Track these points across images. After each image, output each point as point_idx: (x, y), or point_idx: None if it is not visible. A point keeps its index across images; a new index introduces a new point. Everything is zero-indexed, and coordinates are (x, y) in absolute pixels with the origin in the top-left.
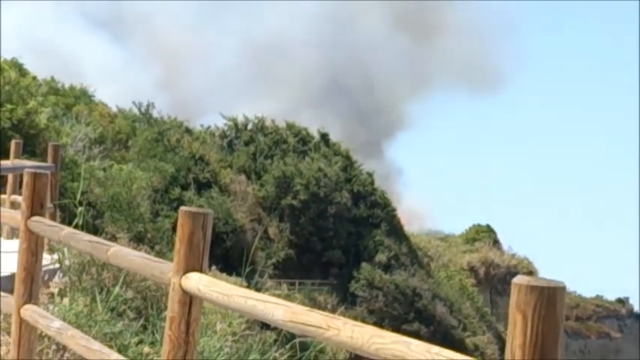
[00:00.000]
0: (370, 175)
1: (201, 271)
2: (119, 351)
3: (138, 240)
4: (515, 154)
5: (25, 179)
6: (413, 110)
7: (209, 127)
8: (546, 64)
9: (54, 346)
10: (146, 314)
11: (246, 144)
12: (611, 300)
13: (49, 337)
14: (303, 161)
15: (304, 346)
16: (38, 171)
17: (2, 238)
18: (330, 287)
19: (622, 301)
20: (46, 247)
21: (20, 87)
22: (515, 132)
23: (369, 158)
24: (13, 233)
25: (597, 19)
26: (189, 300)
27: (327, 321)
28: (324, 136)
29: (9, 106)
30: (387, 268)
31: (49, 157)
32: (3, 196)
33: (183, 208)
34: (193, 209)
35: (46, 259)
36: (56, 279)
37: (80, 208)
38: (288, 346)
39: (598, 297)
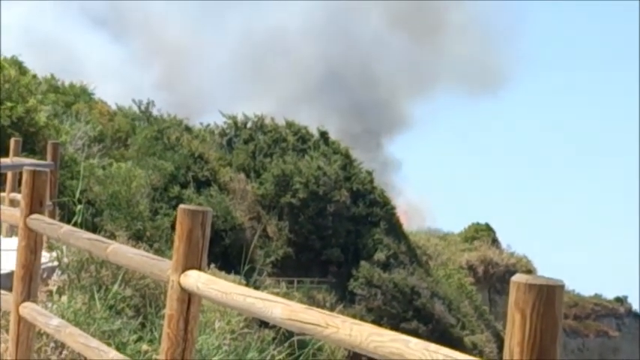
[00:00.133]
0: (369, 173)
1: (200, 269)
2: (117, 349)
3: (137, 238)
4: (514, 153)
5: (25, 177)
6: (412, 108)
7: (208, 125)
8: (547, 64)
9: (52, 344)
10: (145, 312)
11: (246, 142)
12: (609, 299)
13: (48, 335)
14: (302, 160)
15: (302, 344)
16: (37, 169)
17: (1, 236)
18: (328, 285)
19: (620, 300)
20: (45, 244)
21: (20, 85)
22: (515, 131)
23: (366, 152)
24: (12, 231)
25: (598, 19)
26: (188, 298)
27: (326, 319)
28: (324, 135)
29: (9, 104)
30: (385, 266)
31: (49, 155)
32: (2, 194)
33: (182, 206)
34: (192, 207)
35: (45, 256)
36: (55, 277)
37: (79, 206)
38: (286, 344)
39: (596, 296)
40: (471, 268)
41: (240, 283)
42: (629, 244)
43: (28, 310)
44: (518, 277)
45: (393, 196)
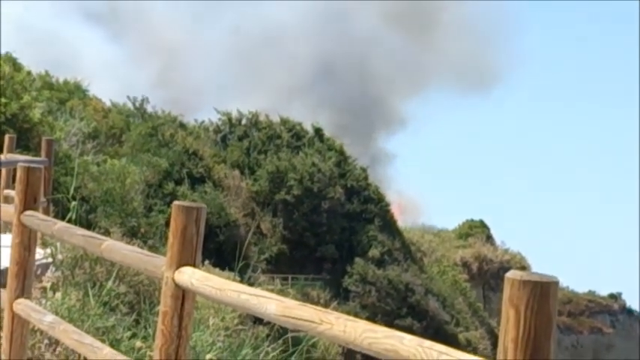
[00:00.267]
0: (364, 170)
1: (194, 265)
2: (111, 345)
3: (131, 235)
4: (508, 151)
5: (19, 173)
6: (406, 105)
7: (203, 121)
8: (541, 63)
9: (46, 341)
10: (139, 309)
11: (240, 139)
12: (603, 295)
13: (42, 332)
14: (296, 156)
15: (297, 341)
16: (32, 165)
17: None
18: (323, 282)
19: (614, 297)
20: (39, 241)
21: (14, 81)
22: (508, 128)
23: (359, 145)
24: (6, 227)
25: (593, 18)
26: (182, 294)
27: (320, 315)
28: (318, 131)
29: (3, 101)
30: (380, 263)
31: (43, 152)
32: None
33: (176, 202)
34: (186, 204)
35: (39, 253)
36: (49, 273)
37: (73, 203)
38: (280, 341)
39: (590, 292)
40: (466, 264)
41: (234, 280)
42: (624, 241)
43: (22, 306)
44: (512, 274)
45: (384, 189)
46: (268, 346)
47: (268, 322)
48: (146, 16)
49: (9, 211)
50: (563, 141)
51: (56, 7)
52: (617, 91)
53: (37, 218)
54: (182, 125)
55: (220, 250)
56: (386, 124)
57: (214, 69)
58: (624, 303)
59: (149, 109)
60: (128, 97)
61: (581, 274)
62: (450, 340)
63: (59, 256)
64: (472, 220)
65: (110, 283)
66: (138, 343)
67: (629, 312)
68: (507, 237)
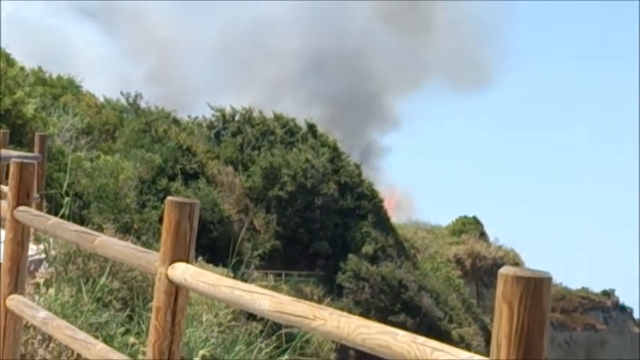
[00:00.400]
0: (357, 166)
1: (187, 261)
2: (105, 341)
3: (124, 231)
4: (502, 149)
5: (12, 169)
6: (399, 102)
7: (196, 117)
8: (535, 62)
9: (39, 337)
10: (132, 305)
11: (234, 135)
12: (596, 292)
13: (35, 328)
14: (290, 152)
15: (290, 337)
16: (25, 161)
17: None
18: (316, 278)
19: (607, 293)
20: (32, 237)
21: (7, 77)
22: (502, 126)
23: (350, 139)
24: None
25: (588, 17)
26: (176, 290)
27: (314, 311)
28: (312, 128)
29: None
30: (373, 259)
31: (36, 148)
32: None
33: (169, 198)
34: (180, 199)
35: (32, 249)
36: (42, 269)
37: (67, 199)
38: (274, 337)
39: (584, 289)
40: (459, 261)
41: (227, 276)
42: (617, 238)
43: (15, 302)
44: (505, 270)
45: (377, 181)
46: (262, 342)
47: (262, 319)
48: (139, 13)
49: (2, 206)
50: (556, 139)
51: (50, 4)
52: (613, 88)
53: (30, 214)
54: (175, 121)
55: (214, 246)
56: (378, 121)
57: (207, 65)
58: (617, 300)
59: (142, 104)
60: (121, 93)
61: (574, 271)
62: (444, 337)
63: (52, 252)
64: (466, 217)
65: (103, 279)
66: (131, 339)
67: (622, 309)
68: (501, 234)
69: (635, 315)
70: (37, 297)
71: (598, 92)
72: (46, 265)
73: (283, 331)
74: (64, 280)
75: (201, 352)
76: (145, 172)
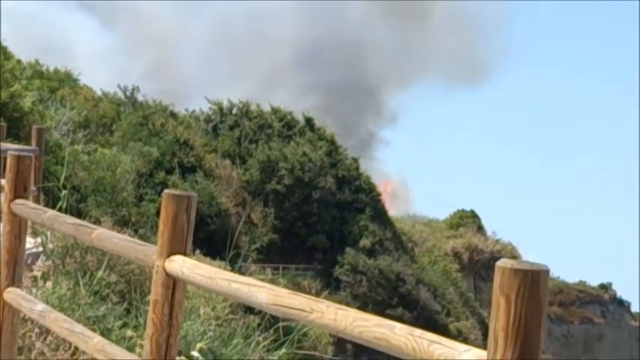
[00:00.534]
0: (355, 160)
1: (184, 254)
2: (102, 334)
3: (122, 224)
4: (499, 143)
5: (9, 161)
6: (395, 95)
7: (194, 111)
8: (532, 57)
9: (37, 330)
10: (130, 298)
11: (231, 128)
12: (594, 286)
13: (32, 321)
14: (287, 146)
15: (288, 331)
16: (22, 154)
17: None
18: (314, 272)
19: (605, 287)
20: (29, 230)
21: (4, 70)
22: (500, 120)
23: (347, 129)
24: None
25: (586, 13)
26: (173, 283)
27: (311, 304)
28: (309, 121)
29: None
30: (371, 253)
31: (33, 141)
32: None
33: (167, 191)
34: (177, 192)
35: (30, 242)
36: (39, 262)
37: (64, 192)
38: (271, 331)
39: (581, 282)
40: (456, 254)
41: (225, 269)
42: (614, 231)
43: (13, 295)
44: (503, 262)
45: (372, 170)
46: (259, 336)
47: (259, 312)
48: (136, 6)
49: None
50: (552, 132)
51: None
52: (610, 85)
53: (27, 207)
54: (173, 114)
55: (211, 240)
56: (374, 113)
57: (203, 57)
58: (615, 293)
59: (140, 98)
60: (119, 86)
61: (571, 265)
62: (441, 330)
63: (50, 245)
64: (463, 210)
65: (101, 272)
66: (129, 332)
67: (620, 302)
68: (498, 227)
69: (633, 308)
70: (34, 290)
71: (595, 88)
72: (44, 258)
73: (281, 324)
74: (61, 273)
75: (198, 346)
76: (142, 165)
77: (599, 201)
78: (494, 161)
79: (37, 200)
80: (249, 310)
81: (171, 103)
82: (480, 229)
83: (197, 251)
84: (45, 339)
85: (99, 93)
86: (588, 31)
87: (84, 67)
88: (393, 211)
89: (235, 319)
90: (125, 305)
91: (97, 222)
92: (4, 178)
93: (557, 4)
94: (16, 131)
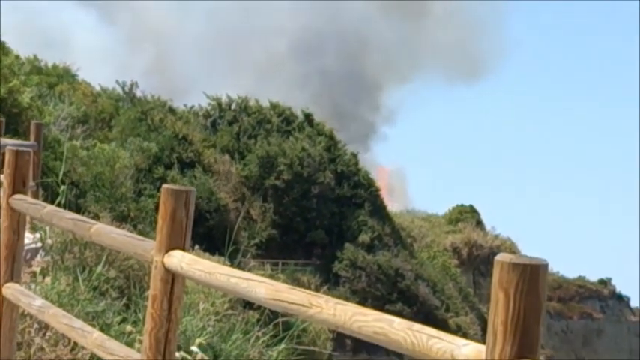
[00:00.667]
0: (354, 155)
1: (183, 249)
2: (101, 330)
3: (121, 219)
4: (498, 138)
5: (7, 157)
6: (393, 91)
7: (192, 106)
8: (531, 54)
9: (36, 325)
10: (129, 293)
11: (230, 124)
12: (593, 281)
13: (31, 316)
14: (286, 141)
15: (287, 326)
16: (20, 149)
17: None
18: (313, 267)
19: (604, 282)
20: (28, 225)
21: (3, 65)
22: (498, 116)
23: (344, 122)
24: None
25: (585, 8)
26: (172, 278)
27: (310, 298)
28: (308, 117)
29: None
30: (370, 248)
31: (32, 136)
32: None
33: (165, 185)
34: (176, 187)
35: (29, 238)
36: (38, 258)
37: (63, 187)
38: (271, 326)
39: (580, 278)
40: (456, 250)
41: (224, 264)
42: (613, 226)
43: (12, 290)
44: (502, 257)
45: (369, 163)
46: (259, 331)
47: (259, 307)
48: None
49: None
50: (551, 127)
51: None
52: (609, 79)
53: (25, 202)
54: (171, 110)
55: (210, 235)
56: (373, 107)
57: (201, 51)
58: (614, 288)
59: (138, 93)
60: (117, 82)
61: (571, 260)
62: (441, 325)
63: (49, 241)
64: (462, 206)
65: (100, 267)
66: (128, 328)
67: (619, 297)
68: (498, 222)
69: (632, 303)
70: (33, 285)
71: (594, 83)
72: (43, 253)
73: (280, 319)
74: (60, 268)
75: (197, 341)
76: (141, 160)
77: (599, 196)
78: (493, 157)
79: (35, 196)
80: (248, 305)
81: (169, 98)
82: (479, 224)
83: (196, 247)
84: (44, 334)
85: (97, 88)
86: (586, 27)
87: (83, 62)
88: (389, 204)
89: (234, 314)
90: (124, 300)
91: (96, 217)
92: (2, 173)
93: (555, 2)
94: (15, 127)
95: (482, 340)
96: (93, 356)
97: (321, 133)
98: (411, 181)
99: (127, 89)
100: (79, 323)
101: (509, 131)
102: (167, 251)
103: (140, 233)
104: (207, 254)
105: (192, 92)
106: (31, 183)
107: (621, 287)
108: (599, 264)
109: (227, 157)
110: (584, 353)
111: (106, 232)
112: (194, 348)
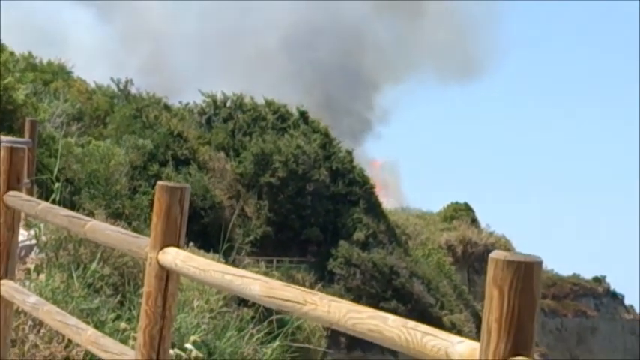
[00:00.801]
0: (349, 153)
1: (178, 245)
2: (96, 327)
3: (115, 216)
4: (493, 137)
5: (2, 154)
6: (388, 89)
7: (187, 103)
8: (526, 51)
9: (30, 322)
10: (123, 290)
11: (225, 121)
12: (587, 278)
13: (26, 313)
14: (281, 138)
15: (282, 323)
16: (15, 145)
17: None
18: (307, 265)
19: (599, 280)
20: (22, 222)
21: None
22: (493, 114)
23: (338, 118)
24: None
25: (581, 7)
26: (166, 275)
27: (304, 296)
28: (303, 114)
29: None
30: (365, 245)
31: (27, 133)
32: None
33: (160, 182)
34: (171, 184)
35: (23, 235)
36: (33, 255)
37: (57, 184)
38: (265, 323)
39: (575, 275)
40: (450, 247)
41: (218, 262)
42: (608, 224)
43: (6, 287)
44: (496, 254)
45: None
46: (253, 328)
47: (253, 304)
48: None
49: None
50: (545, 126)
51: None
52: (605, 77)
53: (20, 199)
54: (166, 107)
55: (205, 232)
56: (367, 105)
57: (196, 49)
58: (608, 286)
59: (133, 90)
60: (112, 79)
61: (565, 258)
62: (435, 323)
63: (43, 238)
64: (457, 203)
65: (94, 264)
66: (122, 325)
67: (614, 295)
68: (492, 220)
69: (626, 301)
70: (27, 282)
71: (590, 82)
72: (37, 250)
73: (274, 317)
74: (54, 265)
75: (192, 338)
76: (136, 158)
77: (594, 194)
78: (488, 155)
79: (30, 192)
80: (242, 302)
81: (164, 95)
82: (474, 221)
83: (191, 244)
84: (38, 331)
85: (92, 85)
86: (582, 26)
87: (80, 60)
88: (384, 199)
89: (229, 311)
90: (119, 297)
91: (91, 214)
92: None
93: (549, 2)
94: (10, 124)
95: (477, 338)
96: (87, 353)
97: (316, 130)
98: (404, 178)
99: (121, 86)
100: (73, 320)
101: (504, 130)
102: (162, 248)
103: (135, 230)
104: (201, 251)
105: (187, 89)
106: (26, 180)
107: (616, 285)
108: (593, 262)
109: (222, 154)
110: (579, 351)
111: (100, 229)
112: (188, 345)
